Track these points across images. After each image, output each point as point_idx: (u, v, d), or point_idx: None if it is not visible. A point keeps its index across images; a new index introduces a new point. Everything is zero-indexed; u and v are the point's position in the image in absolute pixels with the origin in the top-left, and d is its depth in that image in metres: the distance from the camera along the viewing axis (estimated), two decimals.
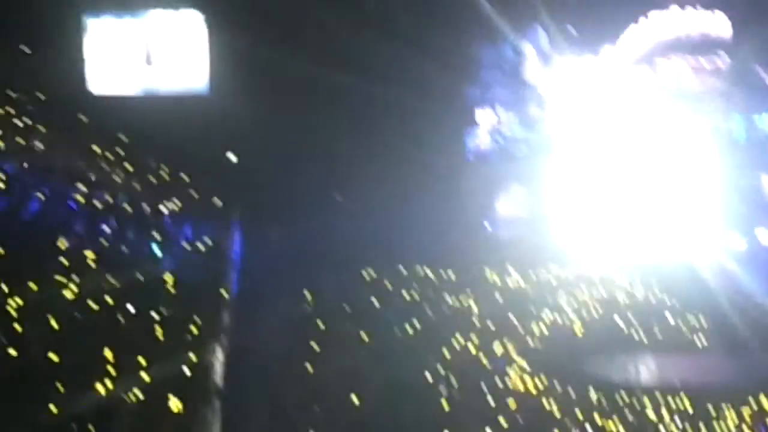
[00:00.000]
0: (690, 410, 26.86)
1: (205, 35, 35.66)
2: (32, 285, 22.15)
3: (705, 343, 31.90)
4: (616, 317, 32.60)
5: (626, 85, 40.26)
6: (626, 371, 30.17)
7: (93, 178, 29.02)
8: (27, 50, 34.24)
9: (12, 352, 20.13)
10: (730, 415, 26.65)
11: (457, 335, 29.51)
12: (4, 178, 26.22)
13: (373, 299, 31.20)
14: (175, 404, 20.88)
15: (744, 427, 26.09)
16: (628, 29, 39.94)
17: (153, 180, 31.70)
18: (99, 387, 20.42)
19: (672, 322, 32.54)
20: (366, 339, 27.98)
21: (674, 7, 39.78)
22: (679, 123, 39.47)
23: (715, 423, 26.20)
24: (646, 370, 30.41)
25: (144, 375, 21.29)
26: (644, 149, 38.70)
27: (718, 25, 40.11)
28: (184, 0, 36.58)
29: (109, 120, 33.05)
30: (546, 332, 31.31)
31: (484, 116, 40.79)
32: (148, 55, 36.32)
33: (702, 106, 40.47)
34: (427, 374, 26.46)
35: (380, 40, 36.17)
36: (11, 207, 25.49)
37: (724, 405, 27.09)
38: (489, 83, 40.68)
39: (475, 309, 31.84)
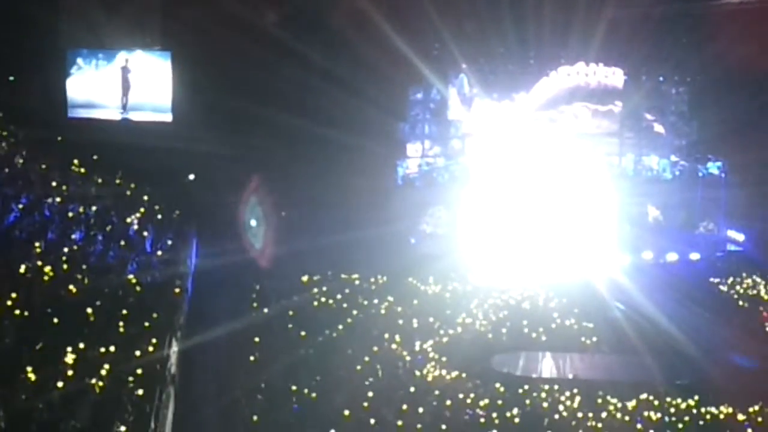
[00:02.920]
0: (581, 402, 26.88)
1: (169, 73, 35.76)
2: (9, 283, 21.79)
3: (596, 345, 32.15)
4: (521, 322, 32.80)
5: (535, 125, 40.77)
6: (527, 367, 30.36)
7: (67, 191, 28.64)
8: (13, 78, 34.10)
9: None
10: (615, 407, 26.73)
11: (384, 334, 29.53)
12: None
13: (312, 302, 31.19)
14: (134, 389, 20.57)
15: (626, 417, 26.17)
16: (540, 80, 40.51)
17: (120, 194, 31.43)
18: (68, 373, 20.05)
19: (568, 326, 32.79)
20: (304, 335, 27.83)
21: (580, 63, 40.40)
22: (578, 158, 40.02)
23: (602, 414, 26.24)
24: (544, 366, 30.62)
25: (108, 363, 20.95)
26: (549, 180, 39.21)
27: (614, 77, 40.81)
28: (155, 41, 36.61)
29: (83, 141, 32.90)
30: (460, 333, 31.42)
31: (413, 148, 41.11)
32: (121, 86, 36.35)
33: (598, 144, 41.12)
34: (357, 366, 26.36)
35: (325, 86, 36.43)
36: None
37: (610, 398, 27.21)
38: (418, 121, 41.01)
39: (399, 312, 31.93)
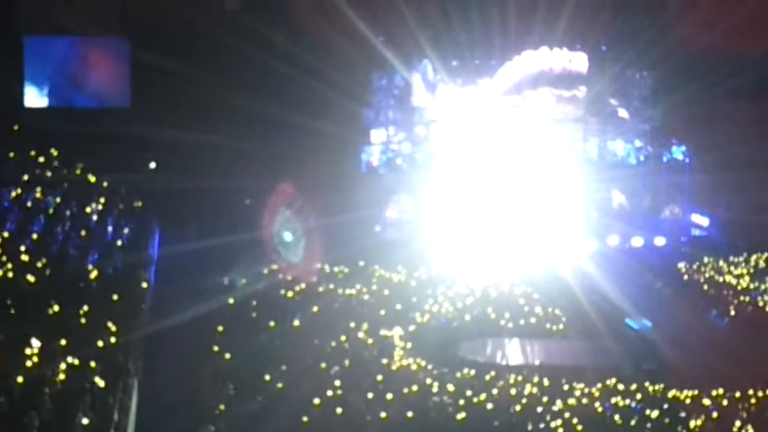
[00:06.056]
0: (548, 388, 27.00)
1: (127, 59, 35.58)
2: None
3: (563, 331, 32.29)
4: (487, 309, 32.89)
5: (499, 111, 40.86)
6: (494, 354, 30.45)
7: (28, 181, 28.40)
8: None
9: None
10: (582, 393, 26.88)
11: (350, 322, 29.51)
12: None
13: (277, 290, 31.11)
14: (97, 381, 20.44)
15: (594, 404, 26.32)
16: (504, 65, 40.59)
17: (80, 184, 31.17)
18: (29, 365, 19.90)
19: (535, 312, 32.92)
20: (271, 324, 27.78)
21: (544, 48, 40.51)
22: (543, 144, 40.17)
23: (569, 400, 26.36)
24: (511, 353, 30.72)
25: (70, 355, 20.80)
26: (514, 166, 39.34)
27: (578, 62, 40.95)
28: (113, 27, 36.37)
29: (41, 130, 32.63)
30: (426, 320, 31.46)
31: (377, 135, 41.04)
32: (79, 73, 36.02)
33: (563, 130, 41.29)
34: (324, 356, 26.31)
35: (288, 72, 36.29)
36: None
37: (576, 384, 27.35)
38: (382, 107, 40.94)
39: (365, 300, 31.92)
